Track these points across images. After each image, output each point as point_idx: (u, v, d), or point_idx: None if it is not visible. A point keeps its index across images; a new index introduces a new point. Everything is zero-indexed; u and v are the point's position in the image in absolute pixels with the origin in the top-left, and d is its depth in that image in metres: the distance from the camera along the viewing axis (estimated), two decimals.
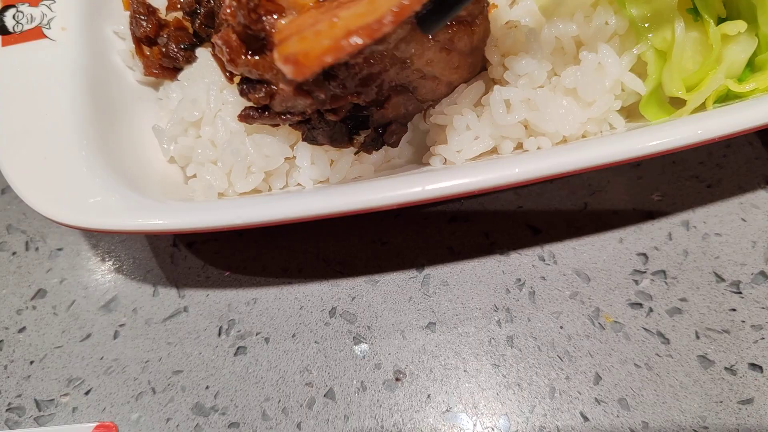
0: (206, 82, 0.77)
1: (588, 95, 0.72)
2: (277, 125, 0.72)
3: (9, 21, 0.79)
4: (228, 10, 0.59)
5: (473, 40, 0.68)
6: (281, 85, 0.60)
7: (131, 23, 0.81)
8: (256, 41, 0.61)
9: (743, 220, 0.81)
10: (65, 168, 0.72)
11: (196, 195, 0.75)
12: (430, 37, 0.64)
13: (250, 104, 0.68)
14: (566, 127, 0.72)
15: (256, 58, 0.60)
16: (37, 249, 0.87)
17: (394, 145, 0.74)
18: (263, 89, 0.62)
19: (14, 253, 0.87)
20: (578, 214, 0.83)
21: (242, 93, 0.64)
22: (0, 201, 0.90)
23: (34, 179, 0.71)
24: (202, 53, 0.80)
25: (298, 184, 0.77)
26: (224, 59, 0.61)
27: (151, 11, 0.82)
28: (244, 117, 0.67)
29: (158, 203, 0.70)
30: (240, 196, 0.75)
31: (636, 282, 0.78)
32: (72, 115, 0.75)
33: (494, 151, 0.76)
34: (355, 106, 0.67)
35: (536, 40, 0.73)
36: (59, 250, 0.86)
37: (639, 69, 0.75)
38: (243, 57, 0.60)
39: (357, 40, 0.52)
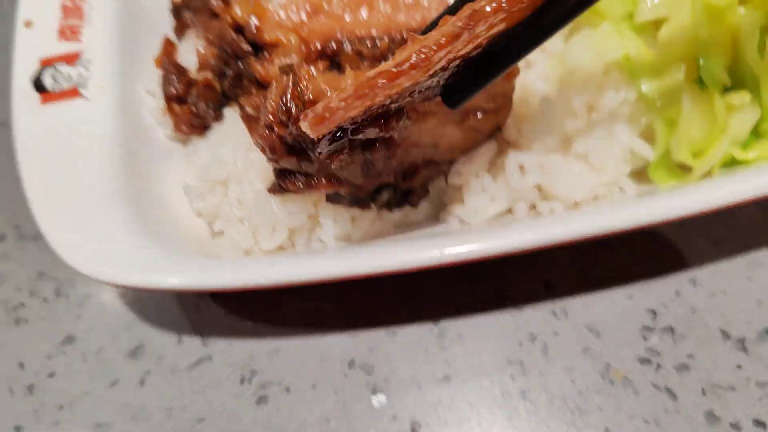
0: (233, 142, 0.80)
1: (599, 161, 0.76)
2: None
3: (47, 80, 0.83)
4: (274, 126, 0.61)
5: (498, 121, 0.72)
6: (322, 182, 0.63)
7: (163, 82, 0.85)
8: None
9: (749, 278, 0.84)
10: (97, 223, 0.75)
11: (223, 251, 0.79)
12: (459, 123, 0.67)
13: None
14: (578, 192, 0.75)
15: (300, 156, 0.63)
16: (67, 296, 0.90)
17: (415, 205, 0.77)
18: (300, 182, 0.65)
19: (45, 300, 0.90)
20: (589, 270, 0.86)
21: (278, 177, 0.67)
22: (32, 247, 0.94)
23: (68, 233, 0.74)
24: (230, 113, 0.84)
25: (320, 240, 0.80)
26: (265, 157, 0.63)
27: (182, 71, 0.85)
28: (274, 190, 0.70)
29: (187, 260, 0.73)
30: (265, 254, 0.78)
31: (645, 338, 0.81)
32: (105, 172, 0.79)
33: (509, 211, 0.79)
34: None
35: (550, 107, 0.76)
36: (88, 297, 0.89)
37: (648, 134, 0.79)
38: (287, 156, 0.63)
39: (378, 83, 0.52)
